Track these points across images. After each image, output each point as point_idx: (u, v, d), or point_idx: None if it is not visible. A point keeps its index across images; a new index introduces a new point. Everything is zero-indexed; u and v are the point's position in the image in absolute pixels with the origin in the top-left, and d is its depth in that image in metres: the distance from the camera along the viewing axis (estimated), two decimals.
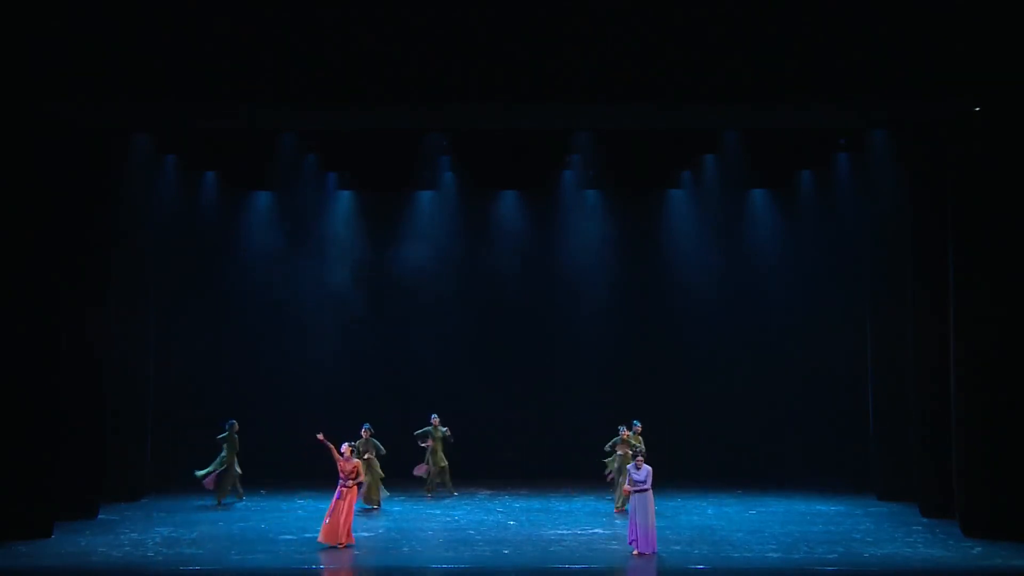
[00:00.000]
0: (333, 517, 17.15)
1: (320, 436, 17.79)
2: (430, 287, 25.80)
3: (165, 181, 23.80)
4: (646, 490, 16.78)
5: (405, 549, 17.29)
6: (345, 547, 17.10)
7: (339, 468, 17.51)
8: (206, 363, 24.95)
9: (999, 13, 17.41)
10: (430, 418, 22.52)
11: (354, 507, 17.58)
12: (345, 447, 17.77)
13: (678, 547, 17.20)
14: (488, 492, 22.45)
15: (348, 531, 17.30)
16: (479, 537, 18.08)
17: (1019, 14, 17.40)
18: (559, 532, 18.54)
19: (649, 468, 16.97)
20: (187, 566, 15.86)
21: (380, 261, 25.85)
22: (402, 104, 18.37)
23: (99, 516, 19.39)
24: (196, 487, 22.45)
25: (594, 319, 25.86)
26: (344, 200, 25.89)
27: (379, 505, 20.76)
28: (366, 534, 18.47)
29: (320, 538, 17.22)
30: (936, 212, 19.08)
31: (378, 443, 21.06)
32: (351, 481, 17.44)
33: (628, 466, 17.22)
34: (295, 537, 18.01)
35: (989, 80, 17.51)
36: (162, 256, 23.53)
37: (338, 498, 17.27)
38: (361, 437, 20.59)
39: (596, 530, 18.71)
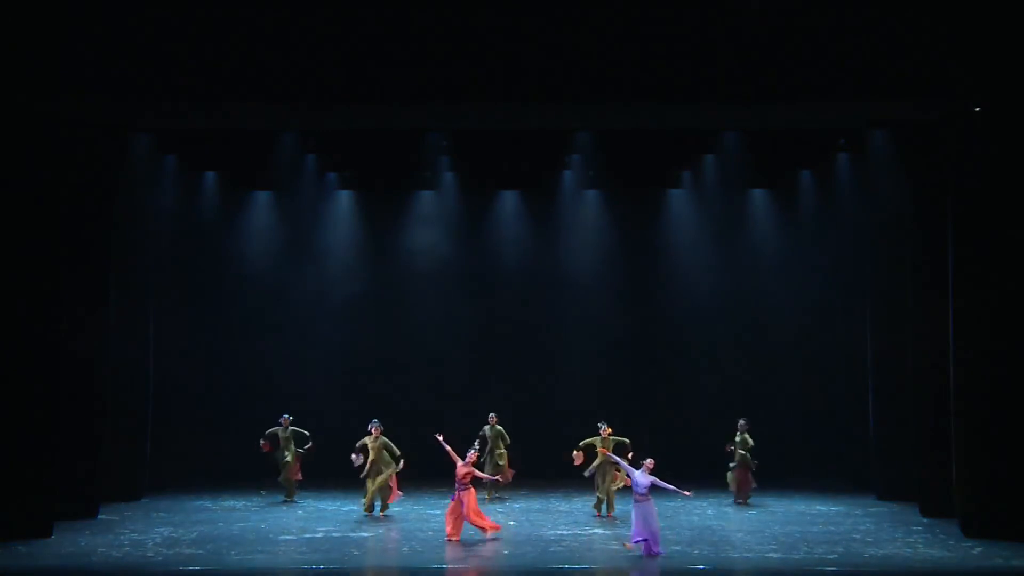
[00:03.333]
0: (474, 519, 17.81)
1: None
2: (430, 287, 25.83)
3: (165, 181, 23.81)
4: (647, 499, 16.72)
5: (405, 549, 17.29)
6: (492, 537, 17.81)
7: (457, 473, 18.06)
8: (206, 363, 24.98)
9: (999, 13, 17.41)
10: (488, 417, 22.48)
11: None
12: (471, 455, 18.30)
13: (678, 547, 17.18)
14: (488, 492, 22.43)
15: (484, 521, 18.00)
16: (479, 537, 18.08)
17: (1019, 14, 17.40)
18: (559, 532, 18.54)
19: (654, 478, 16.78)
20: (187, 566, 15.86)
21: (380, 261, 25.87)
22: (402, 104, 18.39)
23: (99, 516, 19.39)
24: (196, 487, 22.53)
25: (594, 319, 25.88)
26: (344, 200, 25.92)
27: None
28: (366, 534, 18.48)
29: (488, 532, 17.84)
30: (936, 212, 19.08)
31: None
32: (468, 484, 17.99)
33: (636, 473, 17.05)
34: (295, 537, 18.02)
35: (989, 80, 17.51)
36: (162, 256, 23.54)
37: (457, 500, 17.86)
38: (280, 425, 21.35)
39: (596, 530, 18.71)
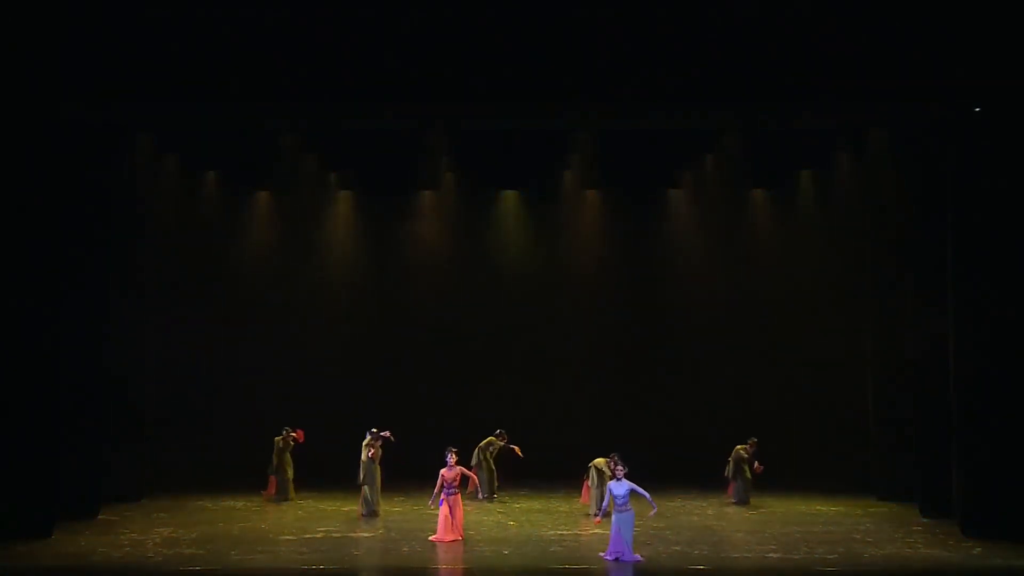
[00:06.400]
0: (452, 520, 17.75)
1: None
2: (430, 286, 25.84)
3: (165, 181, 23.81)
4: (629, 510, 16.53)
5: (405, 549, 17.28)
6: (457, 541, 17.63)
7: (443, 479, 17.99)
8: (205, 363, 24.96)
9: (999, 13, 17.42)
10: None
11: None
12: (451, 457, 18.18)
13: (678, 547, 17.18)
14: (488, 493, 22.42)
15: (461, 527, 17.88)
16: (479, 537, 18.08)
17: (1019, 14, 17.40)
18: (559, 532, 18.54)
19: (631, 484, 16.51)
20: (187, 566, 15.85)
21: (380, 260, 25.89)
22: (402, 104, 18.40)
23: (99, 516, 19.39)
24: (196, 487, 22.50)
25: (594, 319, 25.90)
26: (344, 200, 25.91)
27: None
28: (366, 534, 18.48)
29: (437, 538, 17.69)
30: (936, 212, 19.08)
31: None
32: (456, 487, 18.02)
33: (611, 484, 16.98)
34: (295, 537, 18.01)
35: (989, 80, 17.51)
36: (162, 256, 23.54)
37: (441, 504, 17.86)
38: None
39: (596, 530, 18.67)
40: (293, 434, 21.80)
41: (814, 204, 25.35)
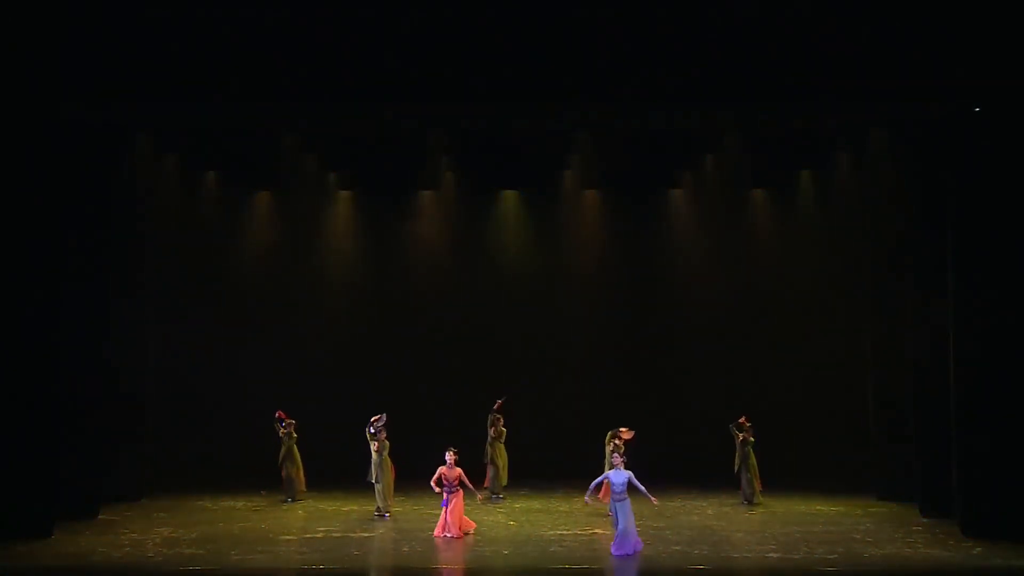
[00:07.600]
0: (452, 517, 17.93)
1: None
2: (429, 286, 25.83)
3: (165, 181, 23.82)
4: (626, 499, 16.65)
5: (405, 549, 17.29)
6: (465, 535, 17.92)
7: (444, 477, 18.21)
8: (205, 363, 24.96)
9: (999, 13, 17.42)
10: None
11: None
12: (449, 456, 18.35)
13: (678, 547, 17.19)
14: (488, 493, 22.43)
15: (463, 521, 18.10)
16: (479, 537, 18.08)
17: (1019, 14, 17.40)
18: (559, 532, 18.54)
19: (630, 473, 16.79)
20: (187, 566, 15.86)
21: (379, 261, 25.88)
22: (402, 104, 18.40)
23: (99, 516, 19.39)
24: (196, 487, 22.50)
25: (594, 319, 25.88)
26: (344, 200, 25.92)
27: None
28: (366, 534, 18.48)
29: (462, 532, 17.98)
30: (936, 212, 19.08)
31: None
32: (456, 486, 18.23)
33: (609, 472, 17.09)
34: (295, 537, 18.03)
35: (989, 80, 17.50)
36: (162, 256, 23.55)
37: (444, 505, 18.03)
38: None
39: (596, 530, 18.69)
40: (276, 415, 21.79)
41: (814, 204, 25.36)
